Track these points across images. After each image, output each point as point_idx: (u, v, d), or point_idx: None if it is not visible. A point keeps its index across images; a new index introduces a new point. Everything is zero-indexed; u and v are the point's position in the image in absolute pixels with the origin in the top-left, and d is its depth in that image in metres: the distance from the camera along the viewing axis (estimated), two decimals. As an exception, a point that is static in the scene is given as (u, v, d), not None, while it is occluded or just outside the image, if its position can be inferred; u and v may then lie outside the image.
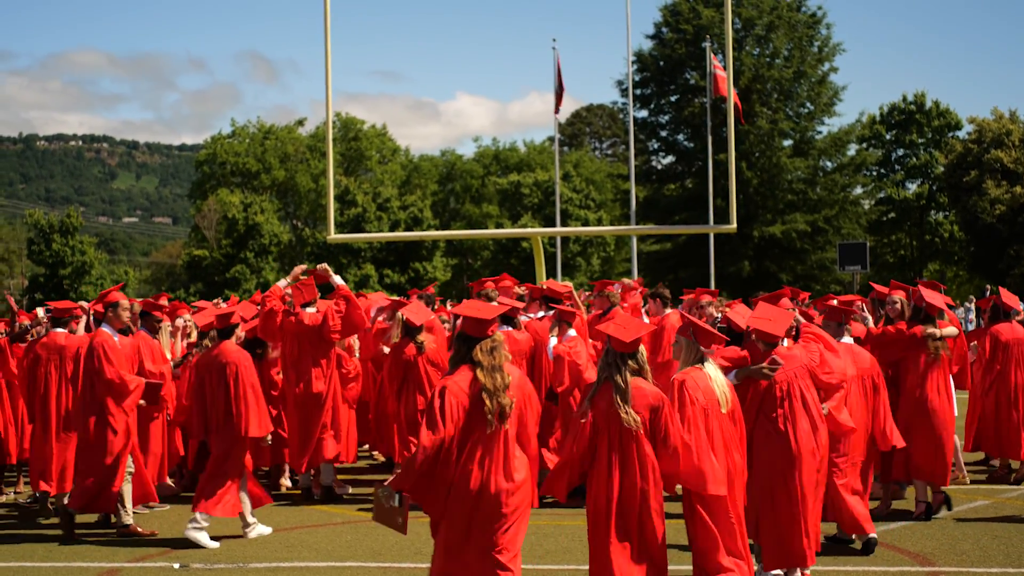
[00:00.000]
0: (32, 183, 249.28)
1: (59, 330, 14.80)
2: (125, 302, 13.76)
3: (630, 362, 8.38)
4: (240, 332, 14.52)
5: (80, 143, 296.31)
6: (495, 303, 15.54)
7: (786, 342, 10.18)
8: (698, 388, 8.92)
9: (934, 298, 13.49)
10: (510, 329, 14.67)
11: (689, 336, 9.19)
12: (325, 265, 15.96)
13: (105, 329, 13.42)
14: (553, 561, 11.37)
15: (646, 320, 16.12)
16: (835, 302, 13.13)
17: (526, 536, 8.21)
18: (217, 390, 12.98)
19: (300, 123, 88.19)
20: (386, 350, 15.66)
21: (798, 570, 9.82)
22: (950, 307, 15.87)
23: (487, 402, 7.91)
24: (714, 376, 9.16)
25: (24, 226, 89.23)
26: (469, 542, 7.99)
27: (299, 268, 15.74)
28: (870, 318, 14.12)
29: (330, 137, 23.85)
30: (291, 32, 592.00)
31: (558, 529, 12.83)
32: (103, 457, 13.02)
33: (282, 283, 15.33)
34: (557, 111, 45.94)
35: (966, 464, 16.07)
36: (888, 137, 76.16)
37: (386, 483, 7.97)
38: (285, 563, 11.68)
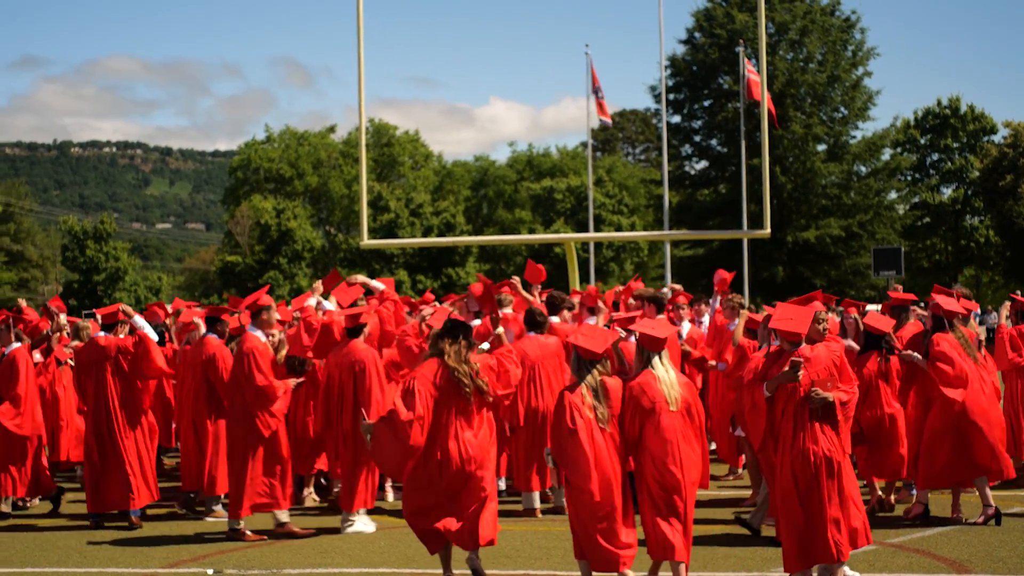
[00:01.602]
0: (66, 189, 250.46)
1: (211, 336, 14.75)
2: (274, 306, 13.93)
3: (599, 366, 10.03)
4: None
5: (114, 149, 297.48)
6: (508, 309, 15.59)
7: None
8: (643, 392, 9.96)
9: (951, 304, 13.40)
10: (535, 334, 14.63)
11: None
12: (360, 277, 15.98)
13: (254, 333, 13.49)
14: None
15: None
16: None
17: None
18: (347, 387, 13.38)
19: (332, 129, 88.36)
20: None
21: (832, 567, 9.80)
22: (982, 312, 15.83)
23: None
24: (662, 377, 10.06)
25: (58, 232, 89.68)
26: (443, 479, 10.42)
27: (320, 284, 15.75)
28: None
29: (363, 143, 23.88)
30: (326, 37, 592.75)
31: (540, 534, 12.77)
32: (264, 461, 13.27)
33: (312, 301, 15.28)
34: (602, 114, 45.82)
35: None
36: (923, 141, 75.80)
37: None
38: (319, 569, 11.65)
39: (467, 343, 10.66)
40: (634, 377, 10.13)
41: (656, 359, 10.14)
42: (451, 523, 10.46)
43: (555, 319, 15.12)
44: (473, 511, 10.45)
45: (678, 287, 17.34)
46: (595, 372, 10.03)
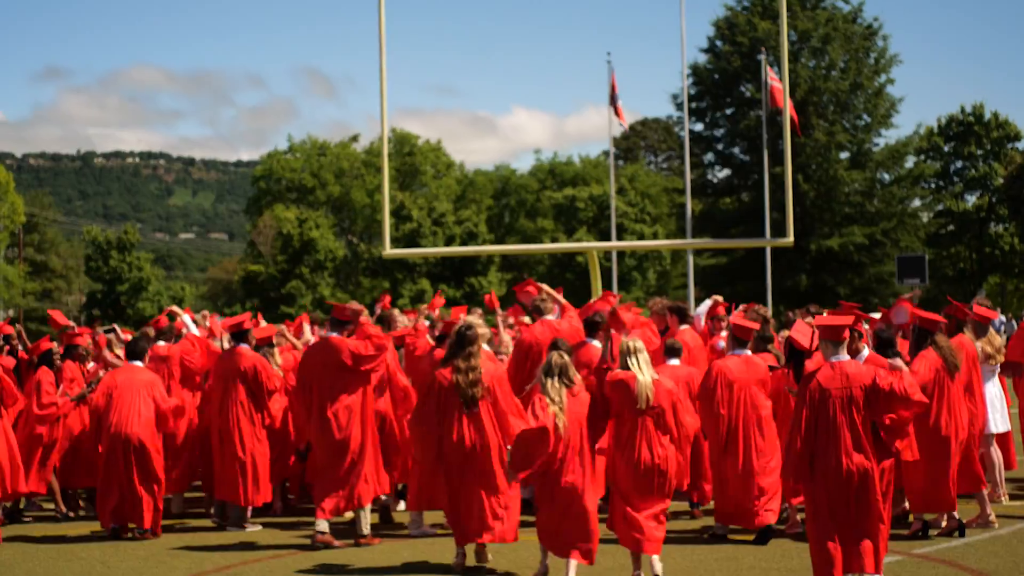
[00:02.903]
0: (90, 200, 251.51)
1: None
2: (397, 311, 14.18)
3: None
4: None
5: (137, 160, 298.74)
6: (551, 316, 15.55)
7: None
8: (616, 387, 11.08)
9: (901, 317, 13.43)
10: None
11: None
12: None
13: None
14: None
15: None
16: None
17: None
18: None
19: (354, 139, 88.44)
20: None
21: None
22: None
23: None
24: (639, 378, 11.01)
25: (82, 243, 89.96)
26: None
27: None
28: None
29: (385, 152, 23.87)
30: (348, 47, 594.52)
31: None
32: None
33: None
34: (622, 120, 45.80)
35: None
36: (946, 149, 75.46)
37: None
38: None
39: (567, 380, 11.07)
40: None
41: (632, 360, 11.12)
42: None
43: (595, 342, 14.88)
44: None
45: (718, 298, 17.08)
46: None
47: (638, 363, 11.09)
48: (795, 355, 12.76)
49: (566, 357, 11.19)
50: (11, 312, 73.86)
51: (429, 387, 12.27)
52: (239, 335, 14.95)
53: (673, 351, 14.15)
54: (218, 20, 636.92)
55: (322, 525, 13.11)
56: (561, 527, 10.90)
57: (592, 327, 14.58)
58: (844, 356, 9.99)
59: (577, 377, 11.15)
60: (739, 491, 13.08)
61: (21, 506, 15.93)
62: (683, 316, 15.80)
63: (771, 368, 13.94)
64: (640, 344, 11.33)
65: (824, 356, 10.11)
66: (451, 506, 11.91)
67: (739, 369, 13.56)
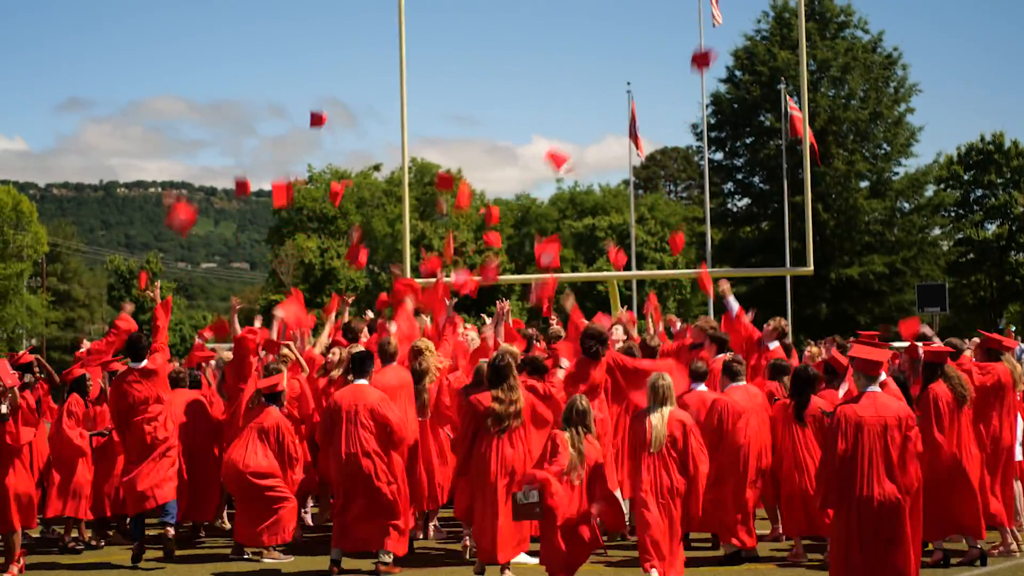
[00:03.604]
0: (112, 229, 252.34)
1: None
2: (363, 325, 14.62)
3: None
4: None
5: (159, 189, 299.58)
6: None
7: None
8: (634, 430, 12.05)
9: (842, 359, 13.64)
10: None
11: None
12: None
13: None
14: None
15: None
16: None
17: None
18: None
19: (376, 168, 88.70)
20: None
21: None
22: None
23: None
24: (654, 423, 11.77)
25: (104, 272, 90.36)
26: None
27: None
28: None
29: (406, 182, 24.03)
30: (370, 78, 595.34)
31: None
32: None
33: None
34: (639, 152, 45.95)
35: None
36: (966, 177, 75.42)
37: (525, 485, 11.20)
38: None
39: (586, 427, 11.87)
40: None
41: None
42: None
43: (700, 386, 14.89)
44: None
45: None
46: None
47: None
48: (802, 387, 12.94)
49: (586, 403, 11.61)
50: (34, 341, 74.19)
51: (465, 412, 12.89)
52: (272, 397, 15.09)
53: (699, 375, 14.26)
54: (240, 51, 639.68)
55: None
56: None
57: (698, 376, 14.45)
58: (877, 387, 10.16)
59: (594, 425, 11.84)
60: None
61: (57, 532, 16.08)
62: (722, 346, 15.93)
63: (772, 399, 14.08)
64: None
65: (857, 387, 10.27)
66: (477, 525, 12.66)
67: (743, 399, 13.81)
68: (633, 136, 45.21)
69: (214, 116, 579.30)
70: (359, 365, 13.87)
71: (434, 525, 16.09)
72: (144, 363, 14.85)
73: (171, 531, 14.49)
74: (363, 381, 13.74)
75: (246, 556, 14.76)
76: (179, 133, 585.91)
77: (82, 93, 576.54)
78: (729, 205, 70.15)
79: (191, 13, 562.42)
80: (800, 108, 32.10)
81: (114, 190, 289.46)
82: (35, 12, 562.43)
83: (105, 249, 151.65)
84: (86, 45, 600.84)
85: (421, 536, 15.67)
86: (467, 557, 14.03)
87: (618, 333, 16.84)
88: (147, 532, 14.60)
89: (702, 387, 14.17)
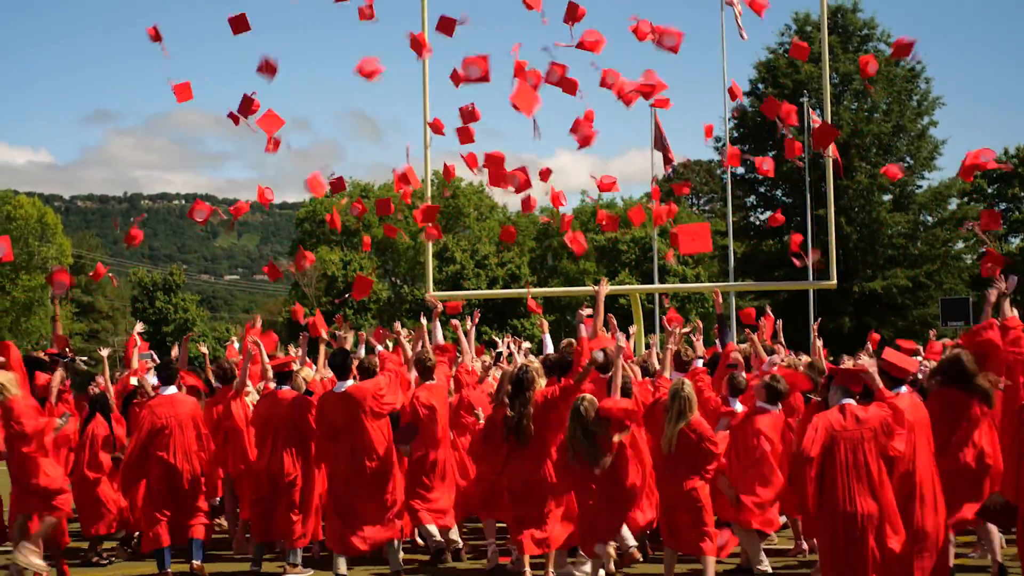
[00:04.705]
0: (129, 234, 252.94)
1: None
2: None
3: None
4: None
5: (183, 202, 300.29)
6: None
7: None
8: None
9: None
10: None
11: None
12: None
13: None
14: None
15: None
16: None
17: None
18: None
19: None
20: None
21: None
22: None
23: None
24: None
25: (128, 284, 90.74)
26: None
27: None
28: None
29: (428, 194, 24.10)
30: (394, 90, 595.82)
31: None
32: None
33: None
34: (668, 166, 45.90)
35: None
36: (990, 191, 75.22)
37: None
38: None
39: None
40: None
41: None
42: None
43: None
44: None
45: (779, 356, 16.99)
46: None
47: None
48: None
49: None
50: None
51: (490, 423, 13.07)
52: (284, 376, 15.16)
53: (736, 388, 14.20)
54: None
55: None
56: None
57: (774, 394, 14.05)
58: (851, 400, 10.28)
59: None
60: None
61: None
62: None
63: (806, 398, 13.97)
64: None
65: (832, 401, 10.42)
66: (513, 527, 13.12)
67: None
68: (661, 148, 45.18)
69: (238, 128, 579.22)
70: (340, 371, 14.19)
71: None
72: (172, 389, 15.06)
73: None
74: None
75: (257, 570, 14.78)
76: (203, 145, 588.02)
77: (108, 105, 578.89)
78: (752, 218, 70.09)
79: (216, 27, 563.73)
80: (823, 121, 32.08)
81: (138, 202, 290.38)
82: (62, 25, 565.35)
83: (129, 261, 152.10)
84: (112, 58, 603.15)
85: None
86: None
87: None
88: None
89: (736, 405, 14.14)
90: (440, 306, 17.20)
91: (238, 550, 16.05)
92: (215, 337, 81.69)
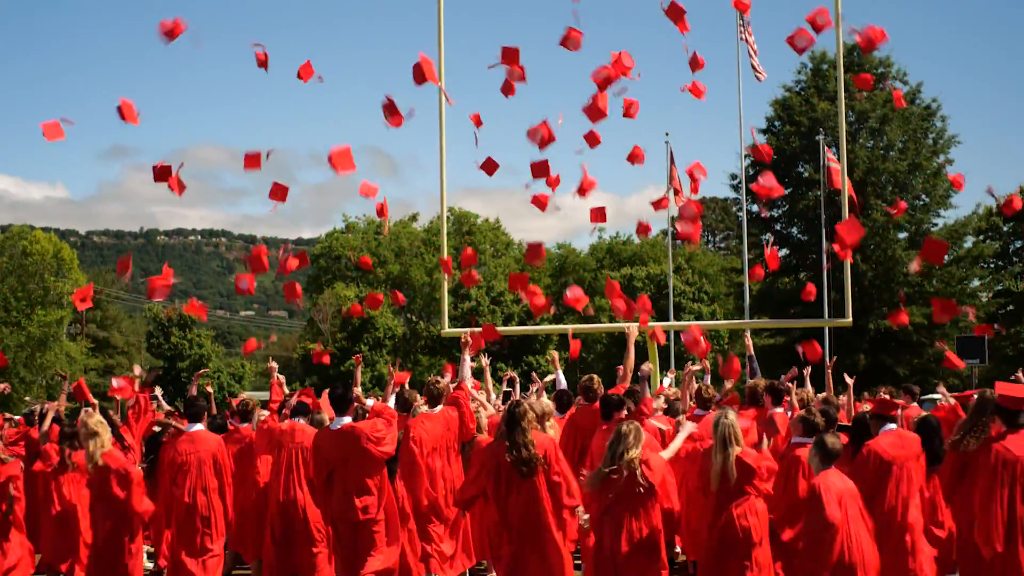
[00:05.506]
0: (152, 277, 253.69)
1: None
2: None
3: None
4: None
5: (199, 237, 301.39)
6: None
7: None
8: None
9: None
10: None
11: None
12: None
13: None
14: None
15: None
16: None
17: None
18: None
19: (414, 218, 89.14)
20: None
21: None
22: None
23: None
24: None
25: (143, 319, 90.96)
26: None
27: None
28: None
29: (444, 231, 24.17)
30: (412, 126, 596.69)
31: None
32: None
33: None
34: (679, 200, 45.99)
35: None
36: (1005, 229, 75.06)
37: None
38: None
39: None
40: None
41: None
42: None
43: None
44: None
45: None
46: None
47: None
48: (861, 434, 12.86)
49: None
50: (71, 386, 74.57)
51: (486, 459, 12.95)
52: (302, 410, 15.24)
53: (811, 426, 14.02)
54: (282, 100, 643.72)
55: None
56: None
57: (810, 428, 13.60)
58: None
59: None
60: None
61: None
62: (778, 397, 15.91)
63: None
64: None
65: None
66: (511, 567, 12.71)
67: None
68: (674, 184, 45.30)
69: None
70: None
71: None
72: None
73: None
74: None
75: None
76: (220, 181, 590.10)
77: (125, 141, 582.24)
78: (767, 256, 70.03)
79: (233, 63, 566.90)
80: (839, 159, 32.12)
81: (154, 237, 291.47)
82: (79, 60, 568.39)
83: (144, 296, 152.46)
84: (130, 93, 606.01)
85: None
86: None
87: (659, 402, 17.18)
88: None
89: None
90: (469, 339, 17.14)
91: None
92: (230, 373, 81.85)
